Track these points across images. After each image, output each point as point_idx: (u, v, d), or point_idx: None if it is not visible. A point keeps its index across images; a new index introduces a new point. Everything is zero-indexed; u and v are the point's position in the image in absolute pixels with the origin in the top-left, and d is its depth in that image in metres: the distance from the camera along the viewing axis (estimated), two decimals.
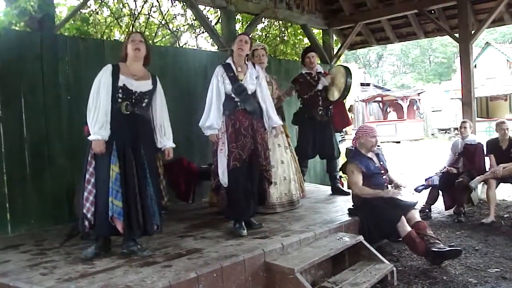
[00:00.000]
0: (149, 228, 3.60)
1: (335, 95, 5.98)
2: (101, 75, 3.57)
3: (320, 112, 6.00)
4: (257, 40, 9.75)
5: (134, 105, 3.60)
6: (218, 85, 4.30)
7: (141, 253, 3.57)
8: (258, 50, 5.33)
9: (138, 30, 9.55)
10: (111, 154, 3.48)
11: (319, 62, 8.56)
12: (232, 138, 4.25)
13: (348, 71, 5.89)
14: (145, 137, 3.68)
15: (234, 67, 4.38)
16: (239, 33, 5.56)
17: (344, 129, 6.87)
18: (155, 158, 3.78)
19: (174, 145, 3.86)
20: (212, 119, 4.26)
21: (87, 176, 3.52)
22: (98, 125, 3.45)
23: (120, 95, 3.55)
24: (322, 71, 6.21)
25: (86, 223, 3.49)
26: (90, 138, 3.47)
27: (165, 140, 3.79)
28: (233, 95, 4.31)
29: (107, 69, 3.58)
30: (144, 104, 3.67)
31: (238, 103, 4.32)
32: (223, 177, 4.20)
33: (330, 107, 6.14)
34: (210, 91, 4.34)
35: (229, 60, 4.45)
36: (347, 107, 11.41)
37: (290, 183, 5.29)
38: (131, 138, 3.57)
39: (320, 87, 5.97)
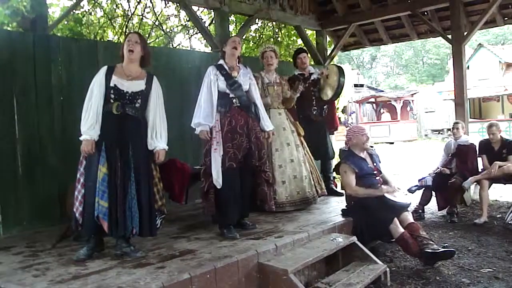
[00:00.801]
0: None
1: (328, 94, 6.00)
2: (96, 76, 3.59)
3: (314, 112, 6.03)
4: (250, 41, 9.77)
5: (126, 106, 3.57)
6: (210, 84, 4.26)
7: (134, 254, 3.55)
8: (267, 52, 5.35)
9: (131, 30, 9.53)
10: (99, 155, 3.48)
11: (311, 63, 8.58)
12: (227, 137, 4.20)
13: (341, 70, 5.92)
14: (135, 137, 3.62)
15: (226, 67, 4.36)
16: (232, 35, 5.54)
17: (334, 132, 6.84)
18: (148, 160, 3.69)
19: (166, 148, 3.74)
20: (201, 116, 4.19)
21: (78, 175, 3.55)
22: (87, 125, 3.47)
23: (113, 96, 3.55)
24: (314, 72, 6.23)
25: (74, 222, 3.54)
26: (80, 138, 3.48)
27: (156, 141, 3.68)
28: (228, 91, 4.28)
29: (102, 70, 3.60)
30: (138, 105, 3.63)
31: (234, 100, 4.30)
32: (218, 178, 4.11)
33: (325, 107, 6.16)
34: (202, 91, 4.30)
35: (220, 61, 4.43)
36: (340, 107, 11.50)
37: (302, 181, 5.26)
38: (120, 138, 3.55)
39: (314, 76, 6.04)
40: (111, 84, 3.54)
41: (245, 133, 4.30)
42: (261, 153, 4.44)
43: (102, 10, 9.21)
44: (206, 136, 4.22)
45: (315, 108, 6.06)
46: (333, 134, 6.84)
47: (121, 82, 3.57)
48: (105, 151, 3.49)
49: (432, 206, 6.59)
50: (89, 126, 3.47)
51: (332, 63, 9.32)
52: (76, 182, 3.55)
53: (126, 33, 3.95)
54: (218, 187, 4.14)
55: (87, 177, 3.52)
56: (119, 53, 3.72)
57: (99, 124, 3.50)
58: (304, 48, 7.10)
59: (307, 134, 5.90)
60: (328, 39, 9.63)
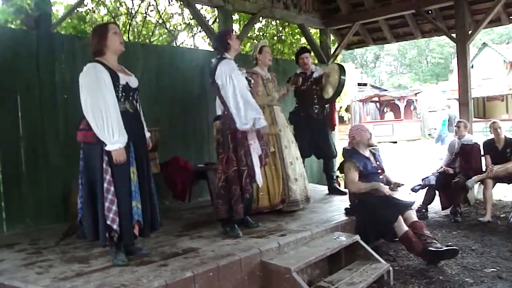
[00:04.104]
0: (156, 225, 3.56)
1: (329, 92, 5.98)
2: (97, 75, 3.21)
3: (316, 111, 6.01)
4: (254, 40, 9.75)
5: (133, 103, 3.44)
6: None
7: (139, 252, 3.53)
8: (267, 47, 5.26)
9: (135, 29, 9.55)
10: (129, 157, 3.28)
11: (315, 62, 8.57)
12: (259, 135, 4.21)
13: (342, 69, 5.89)
14: (144, 132, 3.59)
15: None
16: (229, 29, 5.27)
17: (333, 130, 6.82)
18: None
19: (149, 134, 3.73)
20: (259, 109, 4.07)
21: (105, 185, 3.21)
22: (116, 133, 3.14)
23: (123, 94, 3.32)
24: (315, 70, 6.21)
25: (115, 235, 3.22)
26: (109, 148, 3.15)
27: (146, 131, 3.65)
28: None
29: (100, 69, 3.24)
30: (136, 100, 3.50)
31: None
32: (259, 176, 4.15)
33: (326, 105, 6.14)
34: (240, 84, 4.04)
35: (229, 56, 4.26)
36: (344, 107, 11.50)
37: (304, 179, 5.28)
38: (140, 137, 3.48)
39: (315, 75, 6.01)
40: (122, 82, 3.30)
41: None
42: None
43: (105, 8, 9.23)
44: (267, 130, 4.19)
45: (317, 106, 6.05)
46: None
47: (129, 79, 3.40)
48: (134, 151, 3.34)
49: (435, 205, 6.57)
50: (119, 133, 3.16)
51: (334, 62, 9.30)
52: (104, 193, 3.20)
53: (103, 24, 3.60)
54: (260, 185, 4.20)
55: (120, 184, 3.24)
56: (96, 48, 3.37)
57: (123, 128, 3.21)
58: (308, 47, 7.06)
59: (308, 132, 5.89)
60: (332, 37, 9.60)
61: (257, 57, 5.20)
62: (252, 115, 4.00)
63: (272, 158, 4.95)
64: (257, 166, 4.14)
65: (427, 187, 6.43)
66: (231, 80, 4.02)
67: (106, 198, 3.20)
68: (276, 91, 5.25)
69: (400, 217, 4.41)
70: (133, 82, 3.46)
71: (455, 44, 7.96)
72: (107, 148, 3.17)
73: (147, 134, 3.67)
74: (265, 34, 10.10)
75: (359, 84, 33.05)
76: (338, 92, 5.94)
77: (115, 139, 3.15)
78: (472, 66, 21.08)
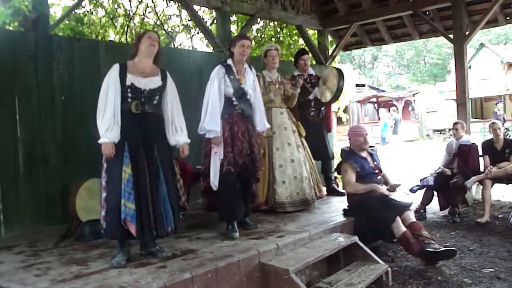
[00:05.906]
0: (160, 231, 3.47)
1: (327, 96, 5.98)
2: (109, 75, 3.46)
3: (311, 113, 6.03)
4: (252, 41, 9.75)
5: (145, 104, 3.49)
6: (220, 86, 4.19)
7: (161, 254, 3.52)
8: (272, 50, 5.29)
9: (133, 30, 9.54)
10: (123, 155, 3.38)
11: (313, 63, 8.58)
12: (228, 142, 4.20)
13: (340, 73, 5.89)
14: (159, 135, 3.60)
15: (234, 69, 4.30)
16: (240, 34, 5.47)
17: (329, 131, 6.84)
18: (171, 157, 3.69)
19: (188, 141, 3.73)
20: (217, 121, 4.11)
21: (101, 180, 3.46)
22: (105, 127, 3.34)
23: (130, 95, 3.44)
24: (314, 74, 6.22)
25: (100, 227, 3.50)
26: (99, 141, 3.35)
27: (178, 136, 3.66)
28: (233, 98, 4.27)
29: (114, 69, 3.47)
30: (155, 102, 3.56)
31: (236, 107, 4.29)
32: (214, 180, 4.16)
33: (322, 108, 6.15)
34: (211, 92, 4.19)
35: (229, 61, 4.36)
36: (342, 108, 11.49)
37: (302, 182, 5.22)
38: (143, 138, 3.48)
39: (311, 97, 6.03)
40: (128, 83, 3.44)
41: (246, 139, 4.31)
42: (259, 156, 4.49)
43: (103, 9, 9.22)
44: (219, 141, 4.16)
45: (313, 109, 6.06)
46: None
47: (138, 80, 3.48)
48: (128, 151, 3.40)
49: (433, 206, 6.58)
50: (107, 128, 3.34)
51: (334, 64, 9.30)
52: (102, 188, 3.44)
53: (144, 31, 3.85)
54: (214, 189, 4.19)
55: (109, 180, 3.41)
56: (132, 50, 3.62)
57: (118, 125, 3.38)
58: (306, 49, 7.07)
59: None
60: (330, 38, 9.62)
61: (264, 61, 5.37)
62: (208, 127, 4.13)
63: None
64: (214, 168, 4.17)
65: (425, 188, 6.44)
66: (209, 86, 4.23)
67: (101, 194, 3.45)
68: (280, 93, 5.35)
69: (398, 218, 4.42)
70: (146, 83, 3.53)
71: (452, 45, 7.98)
72: (99, 140, 3.36)
73: (183, 141, 3.70)
74: (263, 36, 10.11)
75: (357, 85, 33.07)
76: (336, 96, 5.96)
77: (102, 132, 3.35)
78: (470, 67, 21.12)
